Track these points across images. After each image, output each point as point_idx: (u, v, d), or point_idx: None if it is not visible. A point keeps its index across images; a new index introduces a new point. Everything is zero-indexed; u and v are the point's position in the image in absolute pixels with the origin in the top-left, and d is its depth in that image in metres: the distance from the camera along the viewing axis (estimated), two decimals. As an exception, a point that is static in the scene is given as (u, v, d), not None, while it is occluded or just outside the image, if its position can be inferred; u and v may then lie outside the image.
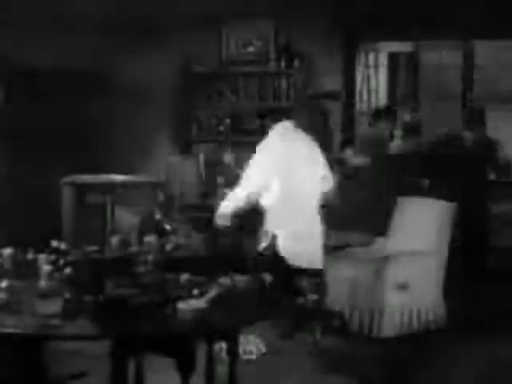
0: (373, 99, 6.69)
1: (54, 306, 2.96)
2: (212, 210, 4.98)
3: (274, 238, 4.15)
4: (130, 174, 5.97)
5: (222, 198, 4.89)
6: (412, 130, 6.00)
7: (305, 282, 5.40)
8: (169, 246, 3.75)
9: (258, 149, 4.51)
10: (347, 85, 6.60)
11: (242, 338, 4.18)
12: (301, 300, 5.67)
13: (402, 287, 5.01)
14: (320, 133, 4.62)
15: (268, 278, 3.51)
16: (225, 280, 3.35)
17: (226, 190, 6.71)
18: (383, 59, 6.76)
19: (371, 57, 6.66)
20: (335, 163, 5.29)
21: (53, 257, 3.38)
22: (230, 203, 4.55)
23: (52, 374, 3.75)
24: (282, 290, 3.80)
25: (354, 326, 5.06)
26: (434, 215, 5.17)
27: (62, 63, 6.25)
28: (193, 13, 6.59)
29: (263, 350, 4.64)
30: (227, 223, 4.38)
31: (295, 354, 4.67)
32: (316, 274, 4.61)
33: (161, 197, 5.98)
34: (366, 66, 6.67)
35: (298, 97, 6.05)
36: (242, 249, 4.08)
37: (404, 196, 5.12)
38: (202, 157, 6.79)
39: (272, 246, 4.09)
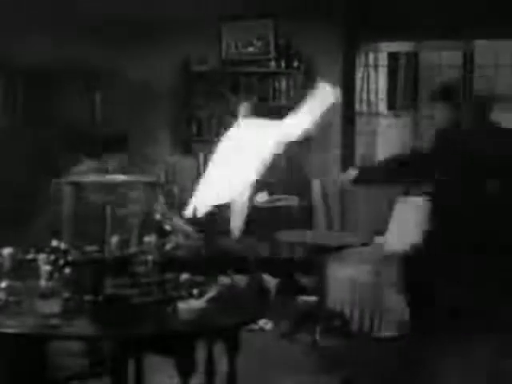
0: (373, 99, 6.68)
1: (54, 306, 2.96)
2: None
3: None
4: (130, 173, 5.96)
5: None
6: None
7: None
8: (169, 246, 3.75)
9: None
10: (347, 85, 6.60)
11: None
12: (301, 300, 5.69)
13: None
14: None
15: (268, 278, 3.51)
16: (225, 280, 3.35)
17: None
18: (383, 59, 6.75)
19: (371, 57, 6.65)
20: None
21: (53, 257, 3.38)
22: None
23: (52, 374, 3.75)
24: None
25: (354, 326, 5.07)
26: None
27: (62, 63, 6.25)
28: (193, 13, 6.58)
29: None
30: None
31: (295, 354, 4.68)
32: None
33: (161, 197, 5.98)
34: (366, 65, 6.66)
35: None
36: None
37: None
38: (202, 157, 6.79)
39: None
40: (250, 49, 6.73)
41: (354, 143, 6.70)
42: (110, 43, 6.58)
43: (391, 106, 6.81)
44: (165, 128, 6.95)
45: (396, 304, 4.97)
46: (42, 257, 3.39)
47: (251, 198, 4.69)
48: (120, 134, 4.95)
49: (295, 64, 6.57)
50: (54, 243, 3.51)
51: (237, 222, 4.52)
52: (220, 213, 4.27)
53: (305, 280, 5.97)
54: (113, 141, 4.80)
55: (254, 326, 4.90)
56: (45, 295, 3.01)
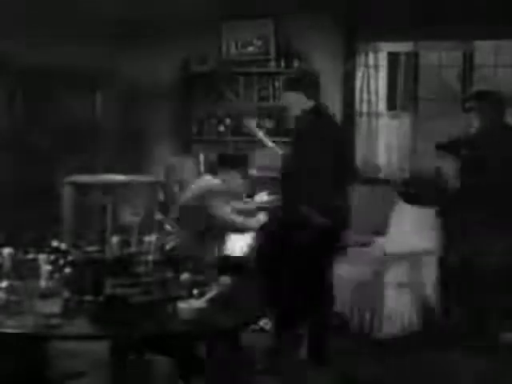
0: (373, 99, 6.67)
1: (54, 306, 2.96)
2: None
3: None
4: (130, 174, 5.96)
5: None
6: None
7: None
8: (169, 246, 3.75)
9: None
10: (347, 85, 6.59)
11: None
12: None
13: (402, 287, 5.02)
14: None
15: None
16: (225, 280, 3.36)
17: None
18: (383, 59, 6.74)
19: (371, 57, 6.65)
20: None
21: (53, 257, 3.38)
22: None
23: (52, 374, 3.75)
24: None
25: (354, 325, 5.07)
26: (432, 216, 5.18)
27: (62, 63, 6.24)
28: (193, 13, 6.58)
29: None
30: None
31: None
32: None
33: (161, 197, 5.98)
34: (366, 65, 6.66)
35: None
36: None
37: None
38: (201, 157, 6.80)
39: None
40: (250, 49, 6.73)
41: (354, 143, 6.70)
42: (110, 43, 6.58)
43: (391, 106, 6.80)
44: (165, 128, 6.95)
45: (396, 304, 4.98)
46: (42, 257, 3.39)
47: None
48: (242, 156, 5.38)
49: (295, 64, 6.57)
50: (54, 243, 3.52)
51: None
52: None
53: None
54: (235, 159, 5.09)
55: (255, 326, 4.89)
56: (45, 295, 3.01)
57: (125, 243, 3.48)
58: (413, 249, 5.10)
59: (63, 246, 3.48)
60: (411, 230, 5.21)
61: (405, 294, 5.02)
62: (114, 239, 3.45)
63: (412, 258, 5.10)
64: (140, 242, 3.52)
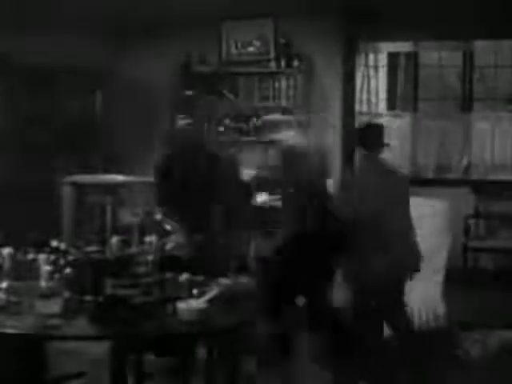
0: (373, 99, 6.69)
1: (54, 306, 2.96)
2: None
3: None
4: (130, 174, 5.97)
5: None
6: None
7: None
8: (169, 246, 3.76)
9: None
10: (347, 85, 6.60)
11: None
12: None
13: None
14: None
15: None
16: (225, 280, 3.35)
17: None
18: (383, 59, 6.76)
19: (371, 57, 6.66)
20: None
21: (53, 257, 3.38)
22: None
23: (51, 374, 3.75)
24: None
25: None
26: (431, 216, 5.17)
27: (62, 63, 6.25)
28: (193, 13, 6.59)
29: None
30: None
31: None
32: None
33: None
34: (366, 65, 6.67)
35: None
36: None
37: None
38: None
39: None
40: (250, 49, 6.73)
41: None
42: (110, 43, 6.58)
43: (391, 106, 6.82)
44: (164, 128, 6.95)
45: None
46: (42, 257, 3.39)
47: None
48: None
49: (295, 64, 6.57)
50: (54, 243, 3.52)
51: None
52: None
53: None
54: None
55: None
56: (45, 295, 3.01)
57: (125, 243, 3.47)
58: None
59: (63, 246, 3.48)
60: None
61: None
62: (114, 239, 3.45)
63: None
64: (140, 242, 3.52)
